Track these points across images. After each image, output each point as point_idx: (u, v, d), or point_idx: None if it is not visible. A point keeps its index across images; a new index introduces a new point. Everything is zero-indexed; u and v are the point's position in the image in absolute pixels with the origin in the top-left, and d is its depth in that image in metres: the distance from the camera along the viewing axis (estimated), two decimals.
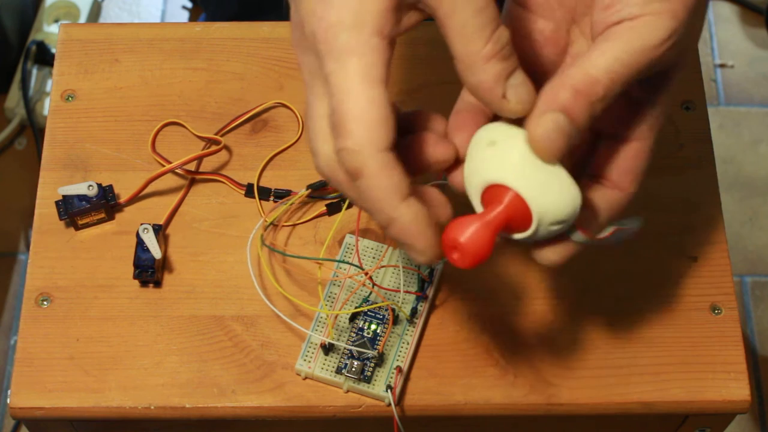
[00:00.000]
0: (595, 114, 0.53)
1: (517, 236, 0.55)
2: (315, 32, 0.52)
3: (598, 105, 0.53)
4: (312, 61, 0.53)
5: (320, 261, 0.73)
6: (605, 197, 0.56)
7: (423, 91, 0.79)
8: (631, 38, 0.52)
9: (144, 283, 0.73)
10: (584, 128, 0.53)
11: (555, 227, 0.55)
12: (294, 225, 0.75)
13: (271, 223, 0.74)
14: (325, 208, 0.75)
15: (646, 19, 0.52)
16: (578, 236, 0.57)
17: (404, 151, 0.55)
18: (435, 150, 0.56)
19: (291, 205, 0.75)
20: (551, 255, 0.56)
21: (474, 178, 0.55)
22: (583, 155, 0.59)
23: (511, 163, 0.53)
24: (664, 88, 0.56)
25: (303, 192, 0.74)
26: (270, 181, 0.77)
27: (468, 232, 0.53)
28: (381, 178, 0.51)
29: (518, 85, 0.52)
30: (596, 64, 0.52)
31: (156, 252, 0.72)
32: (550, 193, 0.53)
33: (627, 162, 0.57)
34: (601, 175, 0.57)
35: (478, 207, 0.55)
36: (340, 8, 0.51)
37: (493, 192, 0.54)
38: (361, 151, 0.51)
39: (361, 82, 0.51)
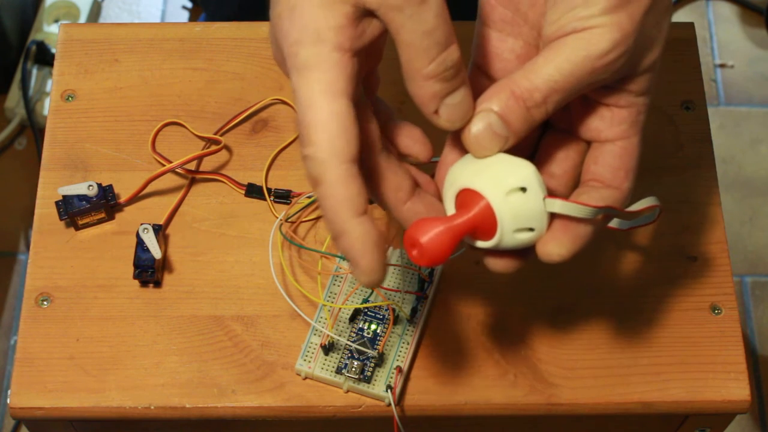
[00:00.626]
0: (534, 119, 0.54)
1: (484, 244, 0.56)
2: (282, 48, 0.54)
3: (535, 111, 0.54)
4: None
5: (326, 254, 0.73)
6: (603, 196, 0.56)
7: None
8: (575, 49, 0.54)
9: (144, 283, 0.73)
10: (521, 132, 0.55)
11: (521, 235, 0.55)
12: (293, 224, 0.75)
13: (288, 219, 0.74)
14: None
15: (591, 31, 0.54)
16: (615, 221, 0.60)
17: (390, 132, 0.58)
18: (418, 148, 0.59)
19: (315, 199, 0.75)
20: (557, 248, 0.56)
21: (450, 184, 0.56)
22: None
23: (484, 169, 0.55)
24: (634, 89, 0.56)
25: None
26: (270, 181, 0.77)
27: (429, 234, 0.54)
28: (338, 188, 0.52)
29: (453, 105, 0.54)
30: (538, 71, 0.54)
31: (156, 252, 0.72)
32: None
33: (616, 160, 0.57)
34: (594, 178, 0.58)
35: (450, 209, 0.57)
36: (301, 26, 0.53)
37: (465, 197, 0.55)
38: (323, 160, 0.52)
39: (323, 95, 0.52)
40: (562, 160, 0.59)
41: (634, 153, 0.58)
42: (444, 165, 0.59)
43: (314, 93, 0.52)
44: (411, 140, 0.59)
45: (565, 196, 0.57)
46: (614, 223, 0.67)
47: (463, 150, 0.57)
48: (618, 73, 0.55)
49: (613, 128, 0.57)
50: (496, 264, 0.58)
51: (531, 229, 0.55)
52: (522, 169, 0.54)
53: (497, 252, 0.57)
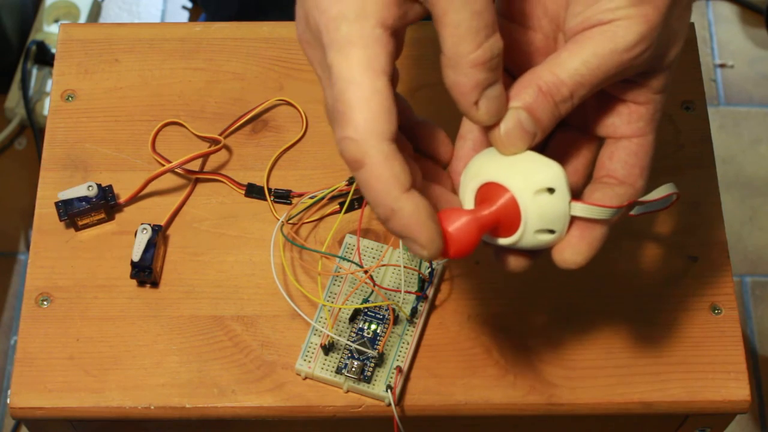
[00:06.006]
0: (561, 114, 0.54)
1: (503, 241, 0.55)
2: (318, 24, 0.52)
3: (562, 106, 0.53)
4: (319, 54, 0.53)
5: (326, 255, 0.73)
6: (618, 194, 0.56)
7: (424, 91, 0.79)
8: (601, 42, 0.53)
9: (141, 283, 0.73)
10: (548, 127, 0.54)
11: (542, 236, 0.54)
12: (294, 225, 0.75)
13: (289, 221, 0.74)
14: (330, 209, 0.76)
15: (617, 23, 0.53)
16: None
17: (413, 134, 0.57)
18: (442, 149, 0.58)
19: (317, 200, 0.75)
20: (574, 256, 0.55)
21: (472, 176, 0.55)
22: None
23: (512, 165, 0.54)
24: (654, 86, 0.56)
25: (341, 184, 0.75)
26: (269, 181, 0.77)
27: (457, 224, 0.53)
28: (383, 168, 0.51)
29: (493, 98, 0.52)
30: (564, 65, 0.53)
31: (137, 255, 0.71)
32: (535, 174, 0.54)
33: (631, 158, 0.57)
34: (609, 174, 0.57)
35: (469, 201, 0.56)
36: (343, 0, 0.51)
37: (489, 191, 0.54)
38: (363, 140, 0.50)
39: (364, 72, 0.51)
40: (574, 158, 0.58)
41: (650, 151, 0.57)
42: (458, 158, 0.58)
43: (355, 69, 0.51)
44: (434, 141, 0.58)
45: (580, 197, 0.56)
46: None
47: (476, 143, 0.56)
48: (642, 66, 0.54)
49: (630, 125, 0.56)
50: (512, 262, 0.57)
51: (552, 231, 0.54)
52: (551, 169, 0.53)
53: (512, 250, 0.56)
